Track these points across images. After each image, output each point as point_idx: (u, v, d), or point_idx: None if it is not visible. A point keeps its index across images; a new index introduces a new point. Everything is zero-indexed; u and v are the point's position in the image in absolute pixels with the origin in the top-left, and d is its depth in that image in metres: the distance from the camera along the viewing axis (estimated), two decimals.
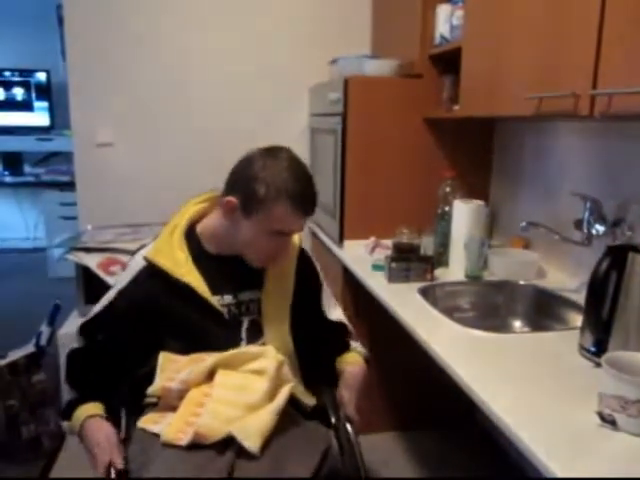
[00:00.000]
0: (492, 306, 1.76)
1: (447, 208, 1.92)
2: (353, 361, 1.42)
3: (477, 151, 2.30)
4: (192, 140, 2.74)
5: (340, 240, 2.24)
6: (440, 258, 1.90)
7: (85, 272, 2.13)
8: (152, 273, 1.25)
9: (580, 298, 1.59)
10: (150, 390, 1.21)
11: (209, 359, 1.21)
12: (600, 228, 1.54)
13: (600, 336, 1.17)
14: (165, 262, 1.25)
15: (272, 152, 1.24)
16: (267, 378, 1.18)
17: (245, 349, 1.25)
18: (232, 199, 1.22)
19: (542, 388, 1.10)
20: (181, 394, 1.19)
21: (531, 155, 2.05)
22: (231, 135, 2.64)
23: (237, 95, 2.74)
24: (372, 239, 2.14)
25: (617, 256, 1.16)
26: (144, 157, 2.74)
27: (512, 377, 1.16)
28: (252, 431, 1.10)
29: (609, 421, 0.94)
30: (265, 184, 1.18)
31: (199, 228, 1.32)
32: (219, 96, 2.72)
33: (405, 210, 2.20)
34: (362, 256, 2.06)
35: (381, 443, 2.28)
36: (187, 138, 2.74)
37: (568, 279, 1.75)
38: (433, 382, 2.14)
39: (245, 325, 1.30)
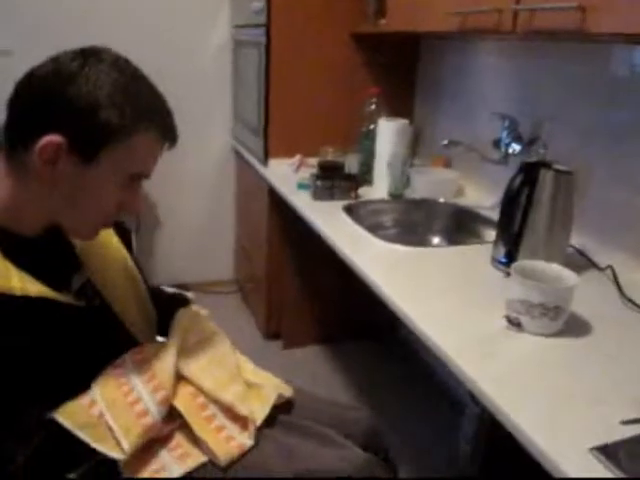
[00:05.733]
0: (413, 223, 1.81)
1: (372, 126, 1.92)
2: None
3: (402, 69, 2.28)
4: None
5: (265, 159, 2.20)
6: (364, 176, 1.92)
7: None
8: None
9: (495, 215, 1.67)
10: (117, 455, 0.83)
11: (164, 353, 0.93)
12: (516, 147, 1.60)
13: (511, 248, 1.24)
14: None
15: (95, 54, 0.80)
16: (220, 336, 1.05)
17: (176, 324, 1.02)
18: (54, 138, 0.75)
19: (457, 297, 1.17)
20: (165, 417, 0.89)
21: (454, 74, 2.06)
22: (147, 49, 2.46)
23: (150, 5, 2.53)
24: (297, 157, 2.12)
25: (530, 172, 1.22)
26: None
27: (430, 288, 1.22)
28: (277, 382, 1.04)
29: (515, 323, 1.02)
30: (116, 106, 0.77)
31: None
32: (133, 6, 2.51)
33: (331, 128, 2.18)
34: (287, 175, 2.04)
35: (307, 357, 2.38)
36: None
37: (485, 197, 1.83)
38: (356, 296, 2.24)
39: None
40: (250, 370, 1.04)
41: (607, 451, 0.72)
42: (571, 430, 0.78)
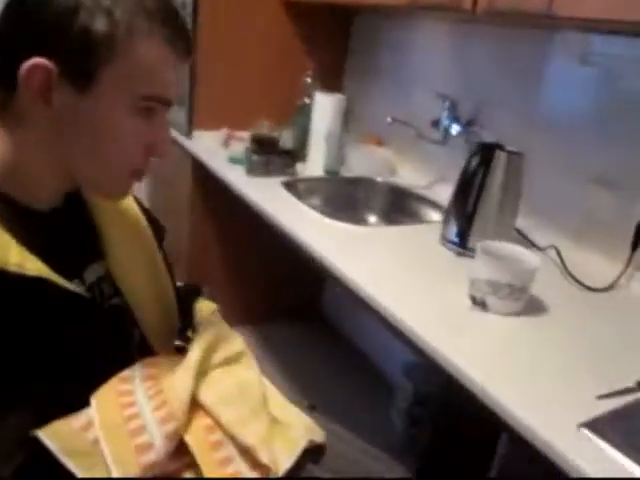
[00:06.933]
0: (350, 201, 1.78)
1: (308, 100, 1.86)
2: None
3: (334, 44, 2.22)
4: None
5: (189, 130, 2.06)
6: (299, 152, 1.85)
7: None
8: None
9: (431, 194, 1.70)
10: None
11: (182, 375, 0.76)
12: (456, 127, 1.61)
13: (464, 227, 1.25)
14: None
15: None
16: (247, 360, 0.86)
17: (204, 338, 0.81)
18: (41, 62, 0.61)
19: (412, 276, 1.15)
20: (171, 453, 0.71)
21: (389, 52, 2.03)
22: None
23: None
24: (224, 130, 2.01)
25: (486, 153, 1.22)
26: None
27: (381, 266, 1.19)
28: (309, 423, 0.85)
29: (479, 303, 1.02)
30: (102, 8, 0.62)
31: None
32: None
33: (262, 101, 2.08)
34: (215, 149, 1.93)
35: None
36: None
37: (420, 176, 1.83)
38: (282, 276, 2.22)
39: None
40: (278, 404, 0.85)
41: (595, 427, 0.73)
42: (552, 407, 0.79)
